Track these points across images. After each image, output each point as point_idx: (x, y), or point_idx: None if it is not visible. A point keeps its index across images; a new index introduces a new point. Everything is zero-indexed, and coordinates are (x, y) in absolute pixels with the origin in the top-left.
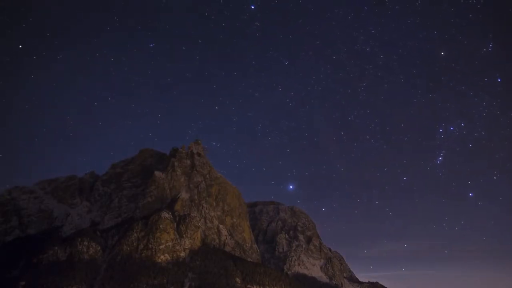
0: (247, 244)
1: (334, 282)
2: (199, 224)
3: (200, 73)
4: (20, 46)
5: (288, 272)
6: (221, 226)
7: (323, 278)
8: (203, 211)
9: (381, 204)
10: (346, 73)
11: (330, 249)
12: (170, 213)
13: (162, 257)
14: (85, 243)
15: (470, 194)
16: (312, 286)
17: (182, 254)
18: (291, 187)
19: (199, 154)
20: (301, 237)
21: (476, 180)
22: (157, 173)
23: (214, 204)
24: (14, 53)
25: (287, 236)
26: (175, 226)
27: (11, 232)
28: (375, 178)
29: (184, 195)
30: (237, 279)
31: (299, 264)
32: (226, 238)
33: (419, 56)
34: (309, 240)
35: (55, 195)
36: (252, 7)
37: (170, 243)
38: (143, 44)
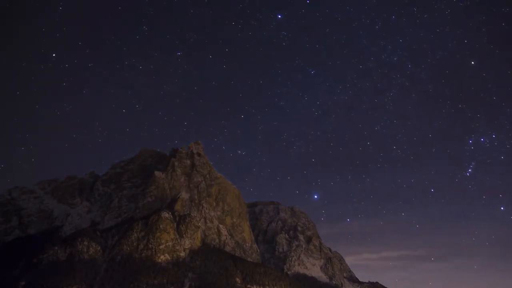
0: (247, 244)
1: (334, 282)
2: (199, 224)
3: (226, 82)
4: (54, 55)
5: (288, 272)
6: (221, 226)
7: (323, 278)
8: (203, 211)
9: (407, 216)
10: (373, 83)
11: (330, 249)
12: (170, 213)
13: (162, 257)
14: (85, 243)
15: (502, 208)
16: (312, 286)
17: (182, 254)
18: (315, 196)
19: (199, 154)
20: (301, 237)
21: (507, 193)
22: (157, 173)
23: (214, 204)
24: (49, 61)
25: (287, 236)
26: (175, 226)
27: (11, 232)
28: (402, 190)
29: (184, 195)
30: (237, 279)
31: (299, 264)
32: (226, 238)
33: (448, 66)
34: (309, 240)
35: (55, 195)
36: (279, 16)
37: (170, 243)
38: (171, 53)
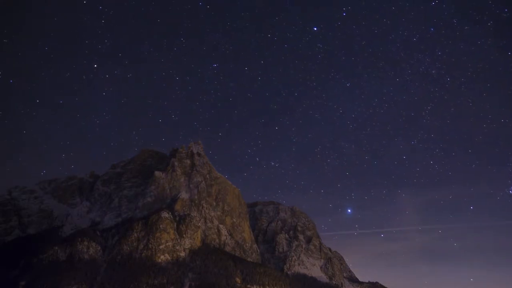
0: (247, 244)
1: (334, 282)
2: (199, 224)
3: (261, 94)
4: (95, 66)
5: (288, 272)
6: (221, 226)
7: (323, 278)
8: (203, 211)
9: (444, 233)
10: (409, 96)
11: (330, 249)
12: (170, 213)
13: (162, 257)
14: (85, 243)
15: None
16: (312, 286)
17: (182, 254)
18: (349, 211)
19: (199, 154)
20: (301, 237)
21: None
22: (157, 173)
23: (214, 204)
24: (91, 72)
25: (287, 236)
26: (175, 226)
27: (11, 232)
28: (439, 206)
29: (184, 195)
30: (237, 279)
31: (299, 264)
32: (226, 238)
33: (490, 79)
34: (309, 240)
35: (55, 195)
36: (315, 28)
37: (170, 243)
38: (208, 65)
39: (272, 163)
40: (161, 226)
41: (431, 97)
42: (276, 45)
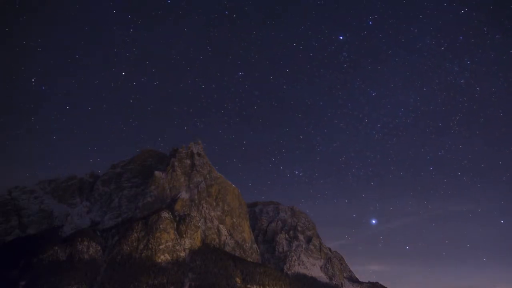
0: (247, 244)
1: (334, 282)
2: (199, 224)
3: (286, 102)
4: (123, 74)
5: (288, 272)
6: (221, 226)
7: (323, 278)
8: (203, 211)
9: (473, 247)
10: (437, 106)
11: (330, 249)
12: (170, 213)
13: (162, 257)
14: (85, 243)
15: None
16: (312, 286)
17: (182, 254)
18: (373, 221)
19: (199, 154)
20: (301, 237)
21: None
22: (157, 173)
23: (214, 204)
24: (119, 80)
25: (287, 236)
26: (175, 226)
27: (11, 232)
28: (467, 219)
29: (184, 195)
30: (237, 279)
31: (299, 264)
32: (226, 238)
33: None
34: (309, 240)
35: (55, 195)
36: (341, 37)
37: (170, 243)
38: (233, 73)
39: (296, 172)
40: (161, 226)
41: (460, 107)
42: (301, 54)
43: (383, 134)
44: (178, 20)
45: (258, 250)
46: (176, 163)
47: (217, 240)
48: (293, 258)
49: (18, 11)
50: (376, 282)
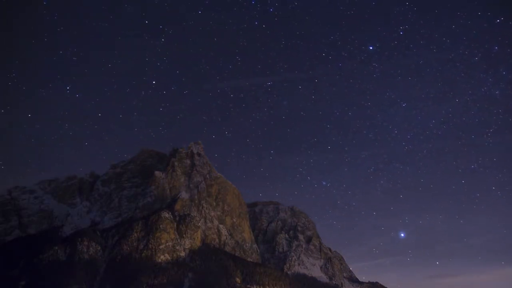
0: (247, 244)
1: (334, 282)
2: (199, 224)
3: (314, 112)
4: (154, 82)
5: (288, 272)
6: (221, 226)
7: (323, 278)
8: (203, 211)
9: (508, 267)
10: (470, 118)
11: (330, 249)
12: (170, 213)
13: (162, 257)
14: (85, 243)
15: None
16: (312, 286)
17: (182, 254)
18: (402, 235)
19: (199, 154)
20: (301, 237)
21: None
22: (157, 173)
23: (214, 204)
24: (150, 88)
25: (287, 236)
26: (175, 226)
27: (11, 232)
28: (501, 236)
29: (184, 195)
30: (237, 279)
31: (299, 264)
32: (226, 238)
33: None
34: (309, 240)
35: (55, 195)
36: (370, 48)
37: (170, 243)
38: (261, 83)
39: (324, 183)
40: (161, 226)
41: (494, 119)
42: (330, 64)
43: (413, 145)
44: (208, 30)
45: (258, 250)
46: (176, 163)
47: (217, 240)
48: (293, 258)
49: (55, 23)
50: (376, 282)
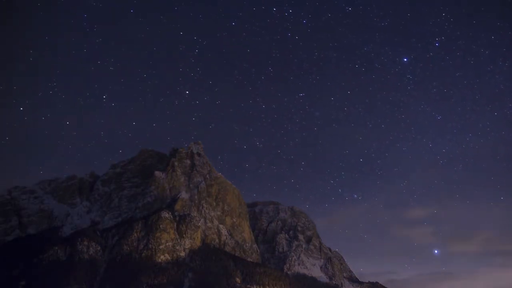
0: (247, 244)
1: (334, 282)
2: (199, 224)
3: (347, 124)
4: (187, 92)
5: (288, 272)
6: (221, 226)
7: (323, 278)
8: (203, 211)
9: None
10: (509, 131)
11: (330, 249)
12: (170, 213)
13: (162, 257)
14: (85, 243)
15: None
16: (312, 286)
17: (182, 254)
18: (436, 251)
19: (199, 154)
20: (301, 237)
21: None
22: (157, 173)
23: (214, 204)
24: (183, 98)
25: (287, 236)
26: (175, 226)
27: (11, 232)
28: None
29: (184, 195)
30: (237, 279)
31: (299, 264)
32: (226, 238)
33: None
34: (309, 240)
35: (55, 195)
36: (405, 59)
37: (170, 243)
38: (293, 94)
39: (355, 196)
40: (161, 226)
41: None
42: (363, 76)
43: (448, 160)
44: (241, 41)
45: (258, 250)
46: (176, 163)
47: (217, 240)
48: (293, 258)
49: (94, 35)
50: (376, 282)
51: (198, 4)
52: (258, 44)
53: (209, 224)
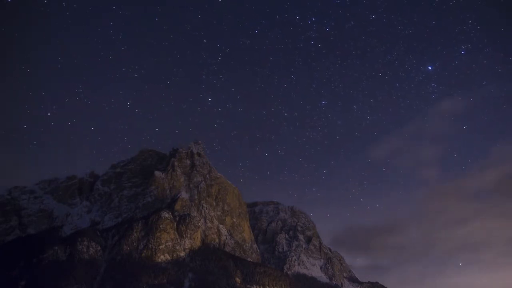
0: (247, 244)
1: (334, 282)
2: (199, 224)
3: (369, 133)
4: (210, 99)
5: (288, 272)
6: (221, 226)
7: (323, 278)
8: (203, 211)
9: None
10: None
11: (330, 249)
12: (170, 213)
13: (162, 257)
14: (85, 243)
15: None
16: (312, 286)
17: (182, 254)
18: (460, 264)
19: (199, 154)
20: (301, 237)
21: None
22: (157, 173)
23: (214, 204)
24: (205, 105)
25: (287, 236)
26: (175, 226)
27: (11, 232)
28: None
29: (184, 195)
30: (237, 279)
31: (299, 264)
32: (226, 238)
33: None
34: (309, 240)
35: (55, 195)
36: (429, 68)
37: (170, 243)
38: (316, 102)
39: (377, 205)
40: (161, 226)
41: None
42: (387, 84)
43: (474, 171)
44: (264, 49)
45: (258, 250)
46: (176, 163)
47: (217, 240)
48: (293, 258)
49: (120, 42)
50: (376, 282)
51: (222, 12)
52: (281, 52)
53: (209, 224)
